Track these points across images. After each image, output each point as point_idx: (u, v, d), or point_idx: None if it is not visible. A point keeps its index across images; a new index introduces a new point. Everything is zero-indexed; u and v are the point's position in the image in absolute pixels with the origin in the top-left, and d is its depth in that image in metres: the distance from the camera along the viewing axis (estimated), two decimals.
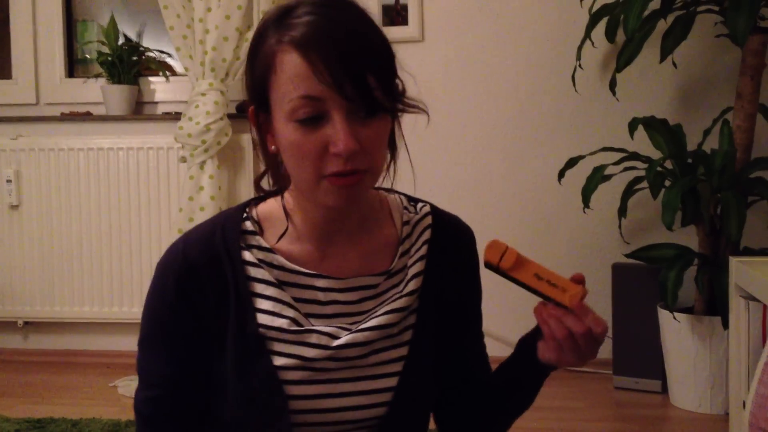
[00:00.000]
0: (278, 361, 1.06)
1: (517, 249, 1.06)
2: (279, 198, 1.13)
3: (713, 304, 2.68)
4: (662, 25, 2.78)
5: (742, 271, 1.81)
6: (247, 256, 1.09)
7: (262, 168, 1.13)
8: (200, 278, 1.08)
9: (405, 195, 1.21)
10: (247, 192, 3.28)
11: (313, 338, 1.07)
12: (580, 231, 3.14)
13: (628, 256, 2.84)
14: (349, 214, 1.11)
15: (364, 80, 0.97)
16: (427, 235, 1.17)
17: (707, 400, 2.68)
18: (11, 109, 3.55)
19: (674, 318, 2.64)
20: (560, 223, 3.17)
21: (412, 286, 1.12)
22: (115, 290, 3.37)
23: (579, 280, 1.06)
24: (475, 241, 1.23)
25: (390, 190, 1.20)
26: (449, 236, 1.19)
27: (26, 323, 3.47)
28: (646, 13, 2.65)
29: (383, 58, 1.02)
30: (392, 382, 1.10)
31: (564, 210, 3.15)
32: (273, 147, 1.06)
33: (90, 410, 2.73)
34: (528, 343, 1.14)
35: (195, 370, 1.10)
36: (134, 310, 3.32)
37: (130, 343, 3.40)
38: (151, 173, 3.34)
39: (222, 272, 1.08)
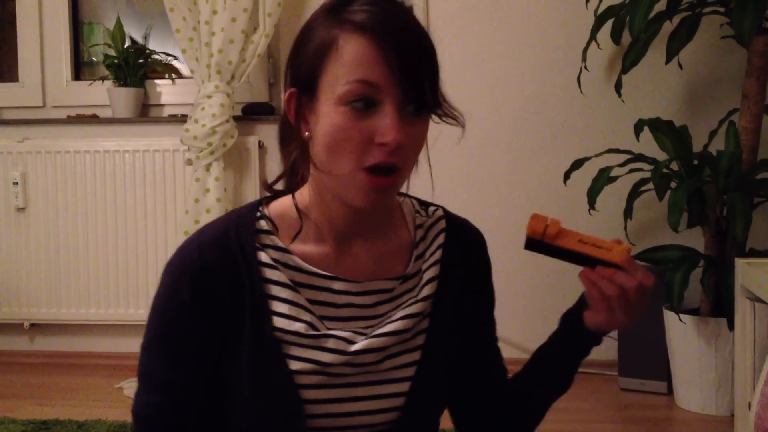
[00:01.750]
0: (294, 365, 1.04)
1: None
2: (291, 197, 1.11)
3: (719, 305, 2.68)
4: (668, 27, 2.78)
5: (748, 273, 1.81)
6: (263, 257, 1.06)
7: (274, 167, 1.12)
8: (216, 280, 1.05)
9: (416, 199, 1.20)
10: (252, 194, 3.28)
11: (330, 343, 1.05)
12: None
13: (633, 257, 2.83)
14: (370, 216, 1.09)
15: (422, 78, 0.99)
16: (441, 239, 1.16)
17: (713, 401, 2.67)
18: (18, 112, 3.57)
19: (680, 319, 2.63)
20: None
21: (426, 291, 1.11)
22: (121, 292, 3.38)
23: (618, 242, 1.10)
24: (486, 245, 1.22)
25: (401, 194, 1.18)
26: (462, 240, 1.18)
27: (32, 325, 3.48)
28: (652, 14, 2.64)
29: (435, 62, 1.03)
30: (404, 387, 1.09)
31: (570, 211, 3.14)
32: (307, 133, 1.04)
33: (96, 412, 2.73)
34: (572, 316, 1.15)
35: (203, 376, 1.07)
36: (140, 312, 3.33)
37: (136, 345, 3.38)
38: (157, 175, 3.35)
39: (238, 274, 1.05)
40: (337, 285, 1.08)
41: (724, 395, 2.65)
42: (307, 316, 1.06)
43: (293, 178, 1.12)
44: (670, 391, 2.86)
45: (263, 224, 1.09)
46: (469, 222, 1.22)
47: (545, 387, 1.20)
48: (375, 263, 1.11)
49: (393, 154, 0.98)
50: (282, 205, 1.12)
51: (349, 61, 0.97)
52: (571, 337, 1.16)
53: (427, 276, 1.12)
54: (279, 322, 1.05)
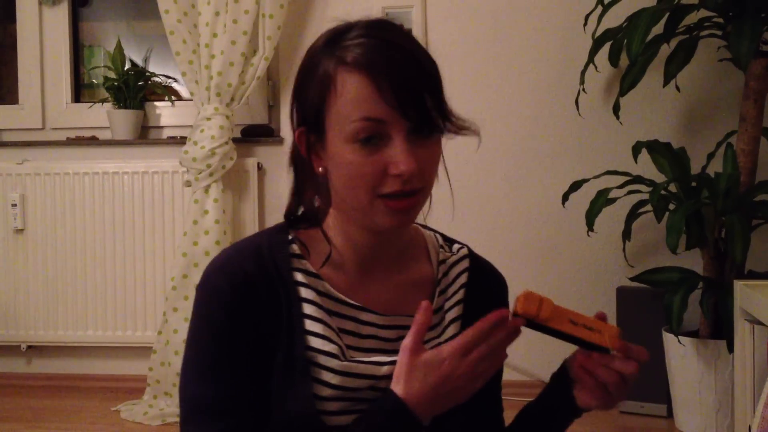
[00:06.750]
0: (324, 391, 1.03)
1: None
2: (319, 228, 1.10)
3: (718, 327, 2.67)
4: (665, 50, 2.79)
5: (747, 295, 1.81)
6: (299, 277, 1.06)
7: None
8: (257, 291, 1.04)
9: (441, 234, 1.21)
10: (251, 216, 3.28)
11: (360, 368, 1.05)
12: (584, 254, 3.13)
13: (632, 279, 2.83)
14: (392, 241, 1.10)
15: (423, 101, 0.99)
16: (464, 278, 1.16)
17: (713, 424, 2.66)
18: (17, 134, 3.57)
19: (679, 342, 2.62)
20: (564, 246, 3.17)
21: (450, 331, 1.12)
22: (119, 314, 3.37)
23: (602, 317, 1.06)
24: (507, 290, 1.23)
25: (426, 227, 1.19)
26: (484, 282, 1.19)
27: (30, 347, 3.47)
28: (649, 37, 2.65)
29: (436, 79, 1.04)
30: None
31: (568, 233, 3.14)
32: (320, 168, 1.05)
33: None
34: (562, 390, 1.13)
35: (260, 388, 1.04)
36: (138, 334, 3.31)
37: (133, 367, 3.39)
38: (156, 197, 3.35)
39: (274, 288, 1.05)
40: (365, 316, 1.09)
41: (724, 418, 2.64)
42: (338, 341, 1.05)
43: (312, 209, 1.12)
44: (669, 413, 2.84)
45: (295, 248, 1.09)
46: (492, 265, 1.23)
47: None
48: (396, 294, 1.12)
49: (408, 182, 0.99)
50: (309, 231, 1.12)
51: (351, 100, 0.99)
52: (561, 411, 1.14)
53: (450, 316, 1.13)
54: (313, 341, 1.04)
